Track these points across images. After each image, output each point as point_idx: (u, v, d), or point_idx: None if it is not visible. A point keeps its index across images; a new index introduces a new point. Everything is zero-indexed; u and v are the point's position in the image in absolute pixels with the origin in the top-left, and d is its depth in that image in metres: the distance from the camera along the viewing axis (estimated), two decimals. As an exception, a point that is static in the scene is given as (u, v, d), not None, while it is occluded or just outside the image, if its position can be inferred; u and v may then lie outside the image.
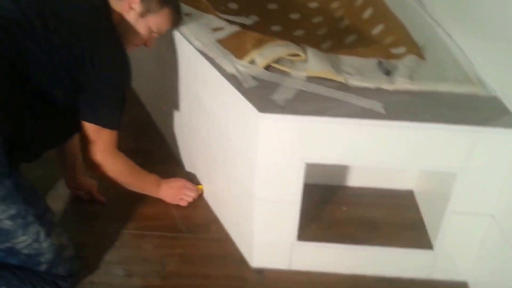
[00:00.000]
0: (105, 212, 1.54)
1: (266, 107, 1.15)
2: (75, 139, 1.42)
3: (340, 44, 1.62)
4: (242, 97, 1.18)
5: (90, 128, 1.28)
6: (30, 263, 1.18)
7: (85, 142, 1.31)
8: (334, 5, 1.91)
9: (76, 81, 1.21)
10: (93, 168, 1.35)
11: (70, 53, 1.18)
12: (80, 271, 1.31)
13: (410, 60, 1.31)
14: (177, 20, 1.40)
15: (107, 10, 1.28)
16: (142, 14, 1.30)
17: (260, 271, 1.37)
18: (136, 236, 1.46)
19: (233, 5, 1.95)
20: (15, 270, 1.18)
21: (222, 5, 1.91)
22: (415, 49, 1.35)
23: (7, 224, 1.11)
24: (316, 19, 1.89)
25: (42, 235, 1.17)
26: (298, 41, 1.72)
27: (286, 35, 1.81)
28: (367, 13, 1.69)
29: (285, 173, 1.22)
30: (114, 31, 1.27)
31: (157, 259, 1.39)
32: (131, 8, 1.29)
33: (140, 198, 1.56)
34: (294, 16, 1.93)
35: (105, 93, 1.26)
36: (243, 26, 1.81)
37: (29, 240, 1.15)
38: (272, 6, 1.98)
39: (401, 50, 1.36)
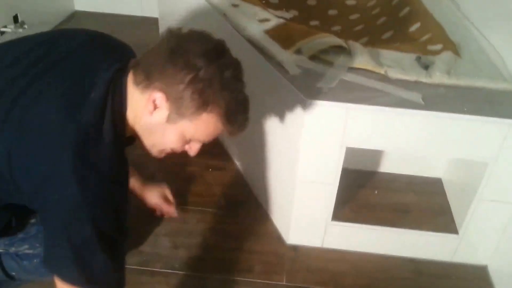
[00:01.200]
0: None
1: (312, 94, 1.24)
2: None
3: (376, 40, 1.70)
4: (289, 84, 1.28)
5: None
6: None
7: None
8: (371, 3, 1.99)
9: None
10: None
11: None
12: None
13: (447, 56, 1.39)
14: (229, 128, 0.95)
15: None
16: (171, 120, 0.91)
17: (295, 248, 1.47)
18: (182, 210, 1.56)
19: (273, 0, 2.04)
20: None
21: (263, -1, 2.00)
22: (452, 46, 1.43)
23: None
24: (353, 16, 1.97)
25: None
26: (335, 36, 1.81)
27: (324, 31, 1.89)
28: (404, 12, 1.77)
29: (326, 156, 1.31)
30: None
31: (200, 232, 1.50)
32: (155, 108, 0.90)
33: (183, 177, 1.67)
34: (332, 12, 2.02)
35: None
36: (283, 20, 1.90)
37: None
38: (311, 2, 2.07)
39: (438, 47, 1.44)
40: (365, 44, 1.72)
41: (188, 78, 0.87)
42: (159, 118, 0.90)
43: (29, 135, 0.85)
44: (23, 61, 0.94)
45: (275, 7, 2.02)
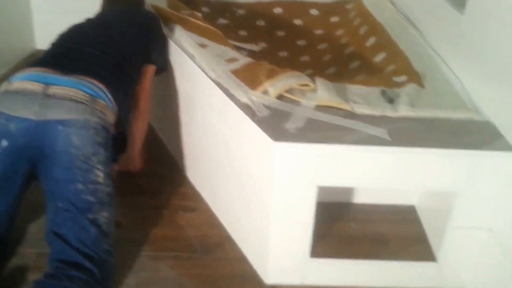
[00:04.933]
0: (122, 236, 1.57)
1: (280, 136, 1.25)
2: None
3: (344, 70, 1.72)
4: (256, 126, 1.28)
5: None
6: (101, 241, 1.31)
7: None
8: (339, 32, 2.02)
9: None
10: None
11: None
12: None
13: (411, 88, 1.41)
14: None
15: None
16: None
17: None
18: (152, 258, 1.51)
19: (243, 33, 2.06)
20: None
21: (233, 33, 2.02)
22: (416, 78, 1.45)
23: (106, 198, 1.34)
24: (322, 46, 2.00)
25: (112, 221, 1.36)
26: (304, 67, 1.84)
27: (292, 61, 1.92)
28: (371, 41, 1.80)
29: (299, 196, 1.31)
30: None
31: (174, 280, 1.44)
32: None
33: (155, 221, 1.64)
34: (301, 42, 2.04)
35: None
36: (252, 52, 1.92)
37: (108, 219, 1.33)
38: (280, 33, 2.09)
39: (402, 78, 1.46)
40: (333, 75, 1.76)
41: None
42: None
43: None
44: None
45: (245, 40, 2.05)
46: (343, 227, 1.58)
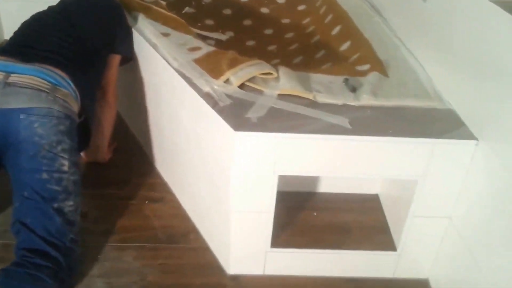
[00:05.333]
0: (87, 226, 1.58)
1: (241, 125, 1.23)
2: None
3: (310, 59, 1.71)
4: (217, 116, 1.26)
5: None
6: (66, 230, 1.31)
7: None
8: (306, 21, 2.01)
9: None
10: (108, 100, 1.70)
11: None
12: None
13: (374, 77, 1.40)
14: None
15: None
16: None
17: (236, 278, 1.44)
18: (117, 248, 1.51)
19: (209, 22, 2.03)
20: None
21: (199, 22, 1.99)
22: (379, 66, 1.45)
23: (71, 186, 1.33)
24: (288, 35, 1.98)
25: (79, 209, 1.37)
26: (271, 56, 1.82)
27: (260, 50, 1.90)
28: (336, 30, 1.79)
29: (259, 186, 1.30)
30: None
31: (138, 270, 1.44)
32: None
33: (121, 211, 1.62)
34: (268, 31, 2.02)
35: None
36: (219, 41, 1.90)
37: (73, 207, 1.34)
38: (247, 22, 2.06)
39: (365, 67, 1.45)
40: (299, 64, 1.74)
41: None
42: None
43: None
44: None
45: (211, 29, 2.02)
46: (305, 217, 1.57)
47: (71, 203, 1.33)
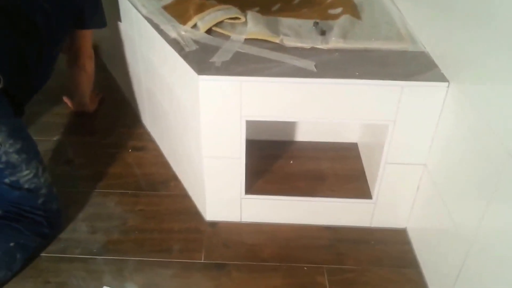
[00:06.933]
0: (72, 173, 1.65)
1: (204, 69, 1.22)
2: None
3: (288, 6, 1.66)
4: (183, 61, 1.26)
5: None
6: (30, 197, 1.32)
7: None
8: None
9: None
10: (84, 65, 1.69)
11: None
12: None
13: (345, 20, 1.36)
14: None
15: None
16: None
17: (214, 224, 1.47)
18: (100, 194, 1.56)
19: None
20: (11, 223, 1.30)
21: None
22: (351, 10, 1.40)
23: (14, 157, 1.26)
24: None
25: (40, 171, 1.33)
26: (252, 4, 1.77)
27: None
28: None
29: (227, 131, 1.30)
30: None
31: (119, 215, 1.50)
32: None
33: (105, 159, 1.66)
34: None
35: None
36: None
37: (31, 174, 1.30)
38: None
39: (337, 10, 1.41)
40: (277, 10, 1.69)
41: None
42: None
43: None
44: None
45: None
46: (282, 165, 1.58)
47: (24, 172, 1.30)
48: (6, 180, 1.29)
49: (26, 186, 1.31)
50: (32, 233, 1.33)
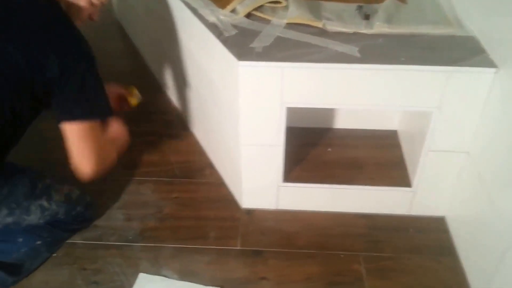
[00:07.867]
0: None
1: (245, 55, 1.20)
2: None
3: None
4: (222, 46, 1.23)
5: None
6: (50, 224, 1.31)
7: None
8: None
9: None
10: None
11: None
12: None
13: (390, 3, 1.32)
14: None
15: None
16: None
17: (250, 212, 1.46)
18: (135, 182, 1.56)
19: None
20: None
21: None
22: (396, -7, 1.36)
23: (10, 220, 1.20)
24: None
25: (46, 203, 1.25)
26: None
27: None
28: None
29: (267, 118, 1.28)
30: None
31: (155, 203, 1.49)
32: None
33: (139, 148, 1.66)
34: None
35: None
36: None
37: (38, 214, 1.24)
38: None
39: (382, -6, 1.37)
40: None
41: None
42: None
43: None
44: None
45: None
46: (320, 153, 1.55)
47: (31, 217, 1.23)
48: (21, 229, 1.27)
49: (41, 222, 1.28)
50: (62, 230, 1.35)
